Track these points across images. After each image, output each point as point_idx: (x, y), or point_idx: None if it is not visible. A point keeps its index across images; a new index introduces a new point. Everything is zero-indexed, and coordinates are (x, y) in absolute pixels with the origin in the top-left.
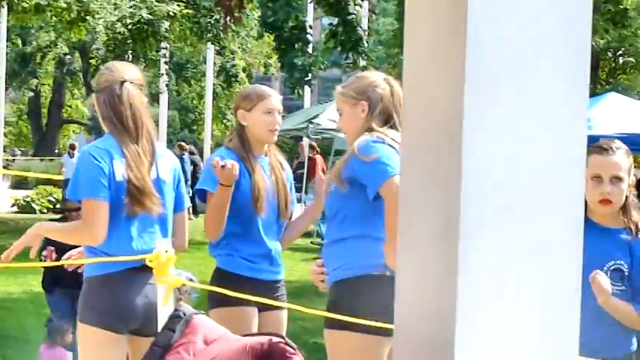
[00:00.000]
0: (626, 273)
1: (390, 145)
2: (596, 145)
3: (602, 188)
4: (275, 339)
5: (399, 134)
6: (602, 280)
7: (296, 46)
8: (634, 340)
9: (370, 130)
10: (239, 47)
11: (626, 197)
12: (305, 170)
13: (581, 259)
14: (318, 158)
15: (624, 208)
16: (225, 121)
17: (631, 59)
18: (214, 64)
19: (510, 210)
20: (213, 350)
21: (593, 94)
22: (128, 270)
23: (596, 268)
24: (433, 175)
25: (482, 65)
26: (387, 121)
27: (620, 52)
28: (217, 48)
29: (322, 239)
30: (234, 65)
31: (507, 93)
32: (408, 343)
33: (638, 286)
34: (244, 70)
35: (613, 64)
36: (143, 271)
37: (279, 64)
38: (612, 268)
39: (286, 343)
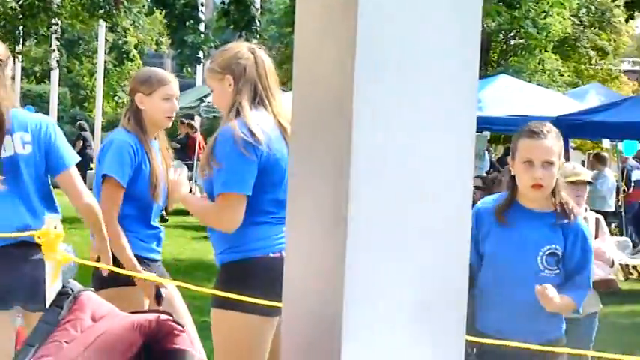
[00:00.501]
0: (561, 256)
1: (249, 143)
2: (526, 128)
3: (533, 173)
4: (163, 316)
5: (265, 111)
6: (550, 292)
7: (187, 23)
8: (563, 325)
9: (238, 111)
10: (131, 24)
11: (556, 180)
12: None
13: (468, 243)
14: (198, 137)
15: (554, 191)
16: (116, 98)
17: (522, 41)
18: (106, 41)
19: (400, 190)
20: (101, 327)
21: (485, 75)
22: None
23: (532, 254)
24: (323, 153)
25: (373, 44)
26: (255, 94)
27: (512, 34)
28: (109, 25)
29: None
30: (125, 42)
31: (398, 72)
32: (298, 322)
33: (571, 269)
34: (136, 48)
35: (504, 47)
36: (19, 247)
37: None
38: (548, 252)
39: (174, 321)
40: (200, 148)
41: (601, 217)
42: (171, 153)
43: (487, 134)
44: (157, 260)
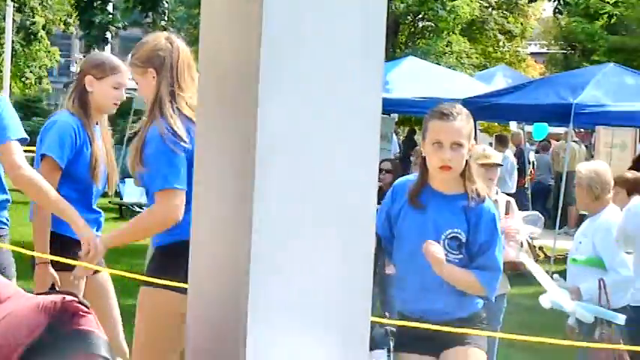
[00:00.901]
0: (463, 240)
1: (174, 140)
2: (436, 109)
3: (442, 154)
4: (68, 297)
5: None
6: (434, 249)
7: (95, 4)
8: (479, 300)
9: (161, 107)
10: (39, 4)
11: (467, 163)
12: None
13: (373, 219)
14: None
15: (464, 174)
16: (23, 79)
17: (430, 24)
18: (13, 21)
19: (305, 171)
20: (6, 308)
21: (393, 57)
22: None
23: (436, 236)
24: (228, 132)
25: (278, 25)
26: (172, 85)
27: (420, 16)
28: (17, 4)
29: (121, 199)
30: (33, 23)
31: (303, 53)
32: (204, 298)
33: (474, 253)
34: (44, 28)
35: (412, 29)
36: None
37: (78, 22)
38: (450, 236)
39: (80, 302)
40: None
41: (512, 199)
42: (111, 137)
43: (395, 116)
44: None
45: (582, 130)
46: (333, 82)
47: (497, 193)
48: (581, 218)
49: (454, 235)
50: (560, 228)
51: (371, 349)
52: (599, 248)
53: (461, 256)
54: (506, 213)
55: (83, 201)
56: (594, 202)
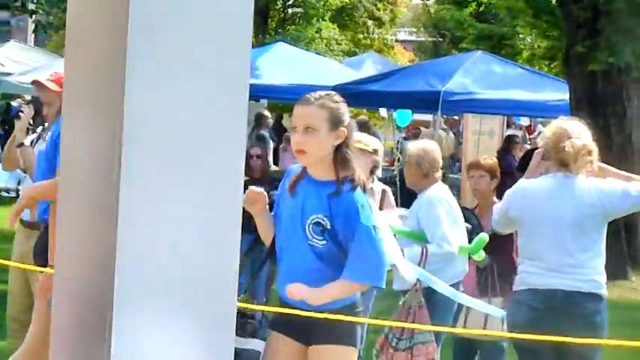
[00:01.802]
0: (327, 227)
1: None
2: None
3: (295, 138)
4: None
5: None
6: (294, 290)
7: None
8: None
9: None
10: None
11: (338, 149)
12: None
13: (240, 205)
14: None
15: (335, 161)
16: None
17: (300, 10)
18: None
19: (171, 156)
20: None
21: (262, 43)
22: None
23: (302, 221)
24: (95, 117)
25: (146, 9)
26: None
27: (290, 2)
28: None
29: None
30: None
31: (170, 37)
32: (69, 283)
33: (342, 243)
34: None
35: (282, 15)
36: None
37: None
38: (314, 221)
39: None
40: None
41: (388, 188)
42: None
43: (264, 102)
44: None
45: (450, 117)
46: (200, 67)
47: (372, 181)
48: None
49: (317, 220)
50: None
51: (253, 336)
52: (423, 222)
53: (324, 242)
54: (382, 202)
55: None
56: (422, 180)
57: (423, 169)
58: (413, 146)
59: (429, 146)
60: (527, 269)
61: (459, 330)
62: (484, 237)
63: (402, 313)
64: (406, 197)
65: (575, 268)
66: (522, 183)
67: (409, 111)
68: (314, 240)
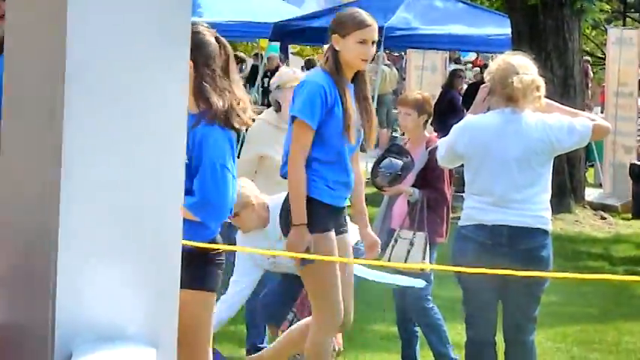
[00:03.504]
0: (186, 161)
1: None
2: None
3: None
4: None
5: None
6: None
7: None
8: (206, 231)
9: None
10: None
11: (195, 80)
12: None
13: (183, 139)
14: None
15: (194, 93)
16: None
17: None
18: None
19: (112, 96)
20: None
21: None
22: None
23: None
24: (39, 49)
25: None
26: None
27: None
28: None
29: None
30: None
31: None
32: (14, 225)
33: (192, 175)
34: None
35: None
36: None
37: None
38: None
39: None
40: None
41: None
42: (369, 96)
43: None
44: (342, 208)
45: (393, 52)
46: (141, 8)
47: None
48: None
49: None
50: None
51: None
52: None
53: (185, 178)
54: None
55: (334, 162)
56: None
57: None
58: None
59: None
60: (473, 205)
61: (383, 263)
62: None
63: None
64: None
65: (522, 204)
66: (469, 119)
67: None
68: None
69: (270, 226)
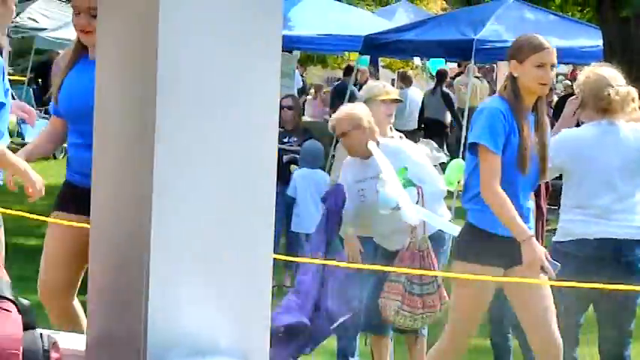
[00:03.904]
0: None
1: None
2: None
3: None
4: None
5: None
6: None
7: None
8: None
9: None
10: None
11: None
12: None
13: (274, 155)
14: None
15: None
16: None
17: None
18: None
19: (205, 107)
20: None
21: None
22: None
23: None
24: (129, 62)
25: None
26: None
27: None
28: None
29: (23, 139)
30: None
31: None
32: (107, 237)
33: None
34: None
35: None
36: None
37: None
38: None
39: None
40: None
41: (403, 136)
42: (547, 127)
43: (297, 53)
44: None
45: (484, 65)
46: (232, 17)
47: (391, 129)
48: None
49: None
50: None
51: None
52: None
53: None
54: None
55: (507, 193)
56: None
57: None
58: (347, 113)
59: (360, 109)
60: (573, 218)
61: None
62: (458, 162)
63: (409, 258)
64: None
65: (625, 214)
66: (565, 133)
67: (442, 60)
68: None
69: (374, 161)
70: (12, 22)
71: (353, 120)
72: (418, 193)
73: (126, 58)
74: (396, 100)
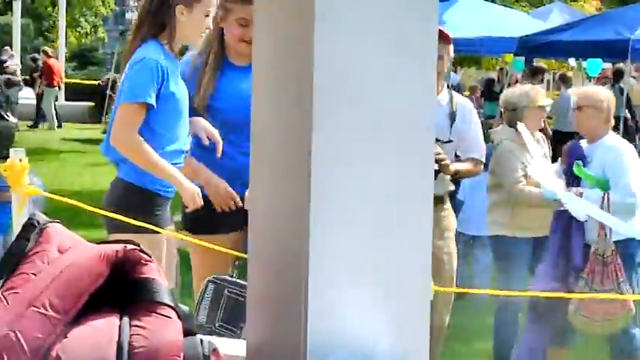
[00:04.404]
0: None
1: None
2: None
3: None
4: (130, 246)
5: None
6: None
7: None
8: None
9: None
10: None
11: None
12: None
13: (431, 149)
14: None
15: None
16: (79, 28)
17: None
18: None
19: (363, 111)
20: (67, 258)
21: None
22: None
23: None
24: (287, 69)
25: None
26: None
27: None
28: None
29: None
30: None
31: None
32: (265, 243)
33: None
34: None
35: None
36: None
37: None
38: None
39: (141, 251)
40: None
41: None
42: None
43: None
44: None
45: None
46: (388, 22)
47: (542, 131)
48: None
49: None
50: None
51: None
52: (608, 170)
53: None
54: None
55: None
56: (603, 126)
57: (603, 115)
58: (591, 91)
59: (605, 92)
60: None
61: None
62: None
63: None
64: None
65: None
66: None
67: (600, 60)
68: None
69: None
70: None
71: (593, 99)
72: (604, 198)
73: (282, 64)
74: (545, 106)
